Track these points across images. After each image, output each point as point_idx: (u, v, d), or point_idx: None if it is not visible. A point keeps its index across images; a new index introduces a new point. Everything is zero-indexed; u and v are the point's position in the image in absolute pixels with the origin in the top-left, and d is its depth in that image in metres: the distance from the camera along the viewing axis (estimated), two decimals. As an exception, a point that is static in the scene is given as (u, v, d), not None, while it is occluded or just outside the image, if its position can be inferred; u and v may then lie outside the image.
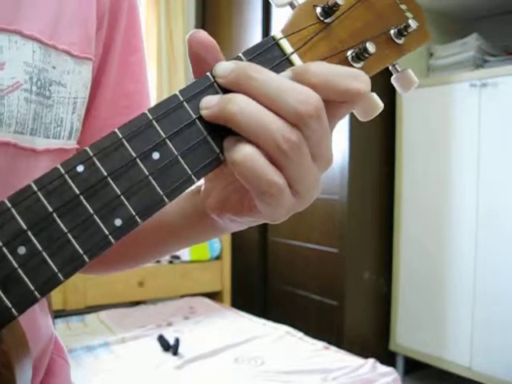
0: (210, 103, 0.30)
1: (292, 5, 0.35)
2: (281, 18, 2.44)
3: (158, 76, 2.82)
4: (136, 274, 2.27)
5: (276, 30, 0.34)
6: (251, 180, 0.29)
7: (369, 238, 2.28)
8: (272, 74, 0.30)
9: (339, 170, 2.17)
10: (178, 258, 2.39)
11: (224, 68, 0.30)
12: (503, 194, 1.90)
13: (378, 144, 2.29)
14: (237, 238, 2.59)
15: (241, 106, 0.29)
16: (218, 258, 2.52)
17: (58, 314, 2.03)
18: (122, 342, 1.87)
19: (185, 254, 2.40)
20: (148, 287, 2.30)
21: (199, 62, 0.32)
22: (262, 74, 0.29)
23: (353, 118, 2.05)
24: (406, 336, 2.26)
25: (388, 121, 2.27)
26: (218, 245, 2.50)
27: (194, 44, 0.31)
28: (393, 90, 2.23)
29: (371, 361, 1.67)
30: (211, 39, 0.32)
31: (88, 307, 2.17)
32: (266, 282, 2.60)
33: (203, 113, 0.30)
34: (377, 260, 2.31)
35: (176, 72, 2.86)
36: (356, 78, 0.31)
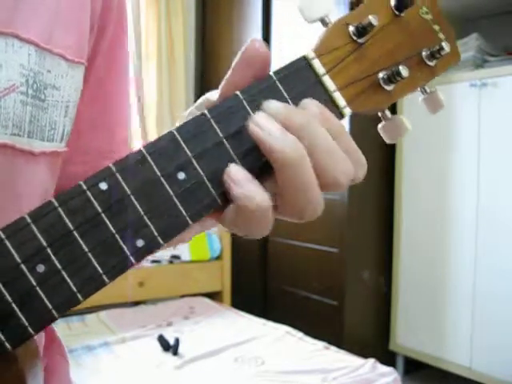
0: (270, 127, 0.29)
1: (323, 21, 0.34)
2: (281, 17, 2.44)
3: (158, 76, 2.82)
4: (136, 274, 2.27)
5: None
6: (252, 220, 0.29)
7: (369, 238, 2.28)
8: (328, 136, 0.30)
9: (339, 170, 2.17)
10: (178, 257, 2.39)
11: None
12: (503, 193, 1.90)
13: (378, 144, 2.29)
14: (237, 238, 2.59)
15: (298, 162, 0.28)
16: (218, 258, 2.52)
17: (58, 314, 2.03)
18: (122, 342, 1.88)
19: (185, 254, 2.40)
20: (148, 287, 2.30)
21: (246, 65, 0.32)
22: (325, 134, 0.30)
23: (353, 119, 2.05)
24: (406, 336, 2.26)
25: (388, 121, 2.27)
26: (218, 245, 2.50)
27: (253, 49, 0.31)
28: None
29: (371, 361, 1.67)
30: (268, 54, 0.32)
31: (88, 307, 2.17)
32: (265, 282, 2.60)
33: (257, 132, 0.29)
34: (377, 260, 2.31)
35: (176, 72, 2.86)
36: (363, 167, 0.32)
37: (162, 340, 1.83)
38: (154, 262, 2.33)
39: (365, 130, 2.20)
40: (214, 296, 2.51)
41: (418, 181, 2.22)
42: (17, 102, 0.37)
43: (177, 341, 1.80)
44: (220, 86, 0.33)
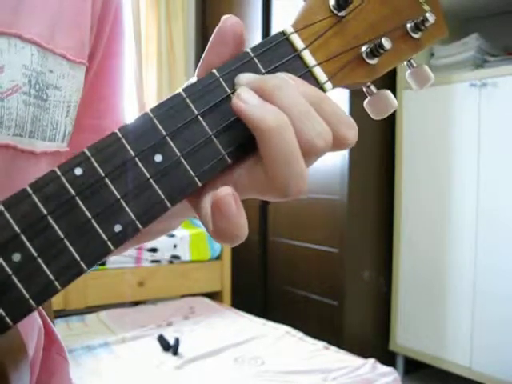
0: (251, 99, 0.29)
1: None
2: (281, 17, 2.44)
3: (158, 76, 2.82)
4: (136, 274, 2.27)
5: (282, 26, 0.33)
6: (222, 225, 0.28)
7: (369, 237, 2.28)
8: (302, 99, 0.29)
9: (339, 170, 2.17)
10: (178, 257, 2.39)
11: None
12: (503, 193, 1.90)
13: (378, 144, 2.29)
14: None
15: (281, 131, 0.28)
16: (218, 257, 2.52)
17: (58, 314, 2.03)
18: (122, 342, 1.88)
19: (185, 254, 2.40)
20: (148, 287, 2.30)
21: (220, 44, 0.31)
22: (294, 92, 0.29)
23: (353, 118, 2.05)
24: (406, 336, 2.26)
25: (388, 121, 2.27)
26: (218, 245, 2.50)
27: (227, 27, 0.31)
28: (393, 89, 2.23)
29: (371, 361, 1.67)
30: (243, 31, 0.31)
31: (88, 307, 2.17)
32: (265, 282, 2.60)
33: (238, 104, 0.28)
34: (377, 260, 2.31)
35: (176, 72, 2.86)
36: (353, 129, 0.31)
37: (161, 340, 1.83)
38: (153, 261, 2.33)
39: (364, 131, 2.20)
40: (214, 296, 2.51)
41: (418, 181, 2.22)
42: (20, 102, 0.37)
43: (177, 341, 1.80)
44: (197, 68, 0.33)
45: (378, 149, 2.29)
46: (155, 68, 2.81)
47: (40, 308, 0.52)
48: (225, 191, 0.28)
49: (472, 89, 1.98)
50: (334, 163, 2.19)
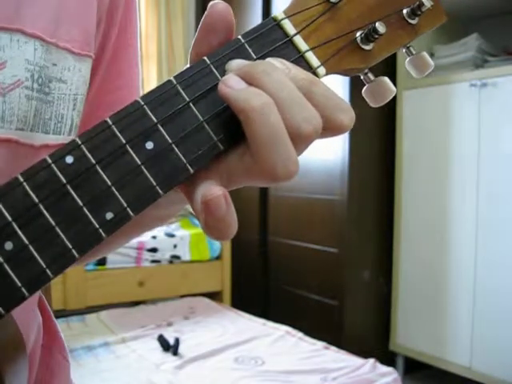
0: (237, 84, 0.28)
1: None
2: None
3: (158, 76, 2.82)
4: (136, 274, 2.27)
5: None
6: (213, 223, 0.28)
7: (369, 237, 2.28)
8: (291, 84, 0.29)
9: (339, 170, 2.17)
10: (178, 257, 2.39)
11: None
12: (503, 193, 1.90)
13: (378, 144, 2.29)
14: (237, 238, 2.58)
15: (265, 112, 0.27)
16: (218, 257, 2.52)
17: (58, 314, 2.02)
18: (121, 342, 1.88)
19: (185, 253, 2.40)
20: (148, 287, 2.30)
21: (209, 32, 0.31)
22: (282, 77, 0.29)
23: (353, 126, 2.05)
24: (406, 336, 2.26)
25: (388, 120, 2.27)
26: (218, 245, 2.50)
27: (215, 14, 0.30)
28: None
29: (371, 361, 1.67)
30: (232, 17, 0.31)
31: (88, 307, 2.17)
32: (266, 282, 2.60)
33: (223, 89, 0.28)
34: (377, 260, 2.31)
35: (176, 71, 2.85)
36: (347, 113, 0.30)
37: (161, 340, 1.83)
38: (153, 261, 2.33)
39: (365, 131, 2.21)
40: (214, 296, 2.51)
41: (418, 181, 2.22)
42: (22, 97, 0.37)
43: (177, 341, 1.80)
44: (188, 57, 0.33)
45: (378, 149, 2.29)
46: (155, 67, 2.81)
47: (47, 305, 0.52)
48: (215, 192, 0.27)
49: (472, 89, 1.98)
50: (334, 163, 2.19)
